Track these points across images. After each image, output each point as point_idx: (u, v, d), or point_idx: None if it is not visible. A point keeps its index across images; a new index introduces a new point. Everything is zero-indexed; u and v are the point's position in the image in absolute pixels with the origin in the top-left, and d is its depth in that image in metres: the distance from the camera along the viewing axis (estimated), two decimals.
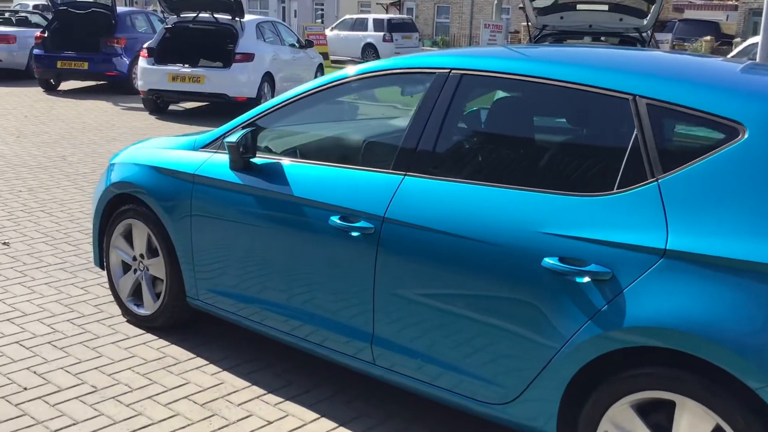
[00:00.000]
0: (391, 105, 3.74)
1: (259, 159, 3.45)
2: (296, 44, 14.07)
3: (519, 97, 2.92)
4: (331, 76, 3.43)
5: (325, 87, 3.41)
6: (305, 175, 3.26)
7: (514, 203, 2.64)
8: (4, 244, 5.39)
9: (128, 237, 4.12)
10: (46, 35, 14.37)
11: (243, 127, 3.58)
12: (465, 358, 2.76)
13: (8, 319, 4.11)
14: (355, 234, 3.00)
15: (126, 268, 4.19)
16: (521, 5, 7.65)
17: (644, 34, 7.95)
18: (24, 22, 18.11)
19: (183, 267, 3.78)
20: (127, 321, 4.17)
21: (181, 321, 4.04)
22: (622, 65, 2.88)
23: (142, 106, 12.65)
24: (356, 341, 3.09)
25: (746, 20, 36.04)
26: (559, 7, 7.80)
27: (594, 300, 2.41)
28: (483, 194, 2.73)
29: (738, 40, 33.78)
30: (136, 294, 4.15)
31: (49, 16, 15.54)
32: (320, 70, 14.94)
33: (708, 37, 29.96)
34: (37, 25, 18.03)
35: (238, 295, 3.58)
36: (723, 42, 32.65)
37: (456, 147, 3.05)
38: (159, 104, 12.32)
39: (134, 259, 4.10)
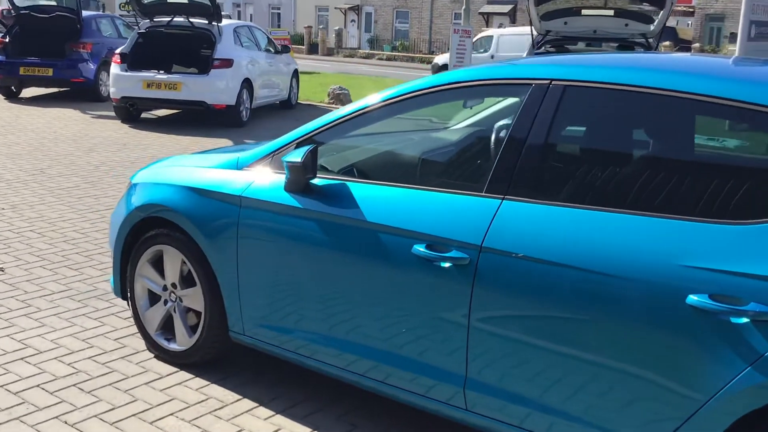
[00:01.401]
0: (456, 120, 3.43)
1: (320, 180, 3.11)
2: (271, 49, 13.67)
3: (637, 110, 2.64)
4: (402, 87, 3.11)
5: (395, 99, 3.09)
6: (379, 198, 2.94)
7: (647, 232, 2.36)
8: (0, 270, 4.93)
9: (157, 264, 3.73)
10: (7, 40, 13.71)
11: (298, 145, 3.24)
12: (584, 408, 2.47)
13: (22, 359, 3.69)
14: (445, 265, 2.68)
15: (153, 298, 3.81)
16: (526, 9, 7.43)
17: (650, 40, 7.79)
18: None
19: (226, 298, 3.42)
20: (156, 357, 3.78)
21: (218, 357, 3.67)
22: (758, 76, 2.62)
23: (112, 114, 12.11)
24: (445, 384, 2.77)
25: (702, 25, 36.64)
26: (563, 12, 7.60)
27: (755, 343, 2.13)
28: (607, 221, 2.44)
29: (696, 45, 34.36)
30: (166, 327, 3.76)
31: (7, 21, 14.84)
32: (295, 76, 14.56)
33: (666, 43, 30.34)
34: None
35: (294, 330, 3.23)
36: (681, 47, 33.17)
37: (565, 167, 2.75)
38: (132, 112, 11.79)
39: (164, 288, 3.71)
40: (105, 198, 6.96)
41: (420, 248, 2.74)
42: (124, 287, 3.91)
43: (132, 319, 4.16)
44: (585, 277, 2.41)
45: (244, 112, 11.81)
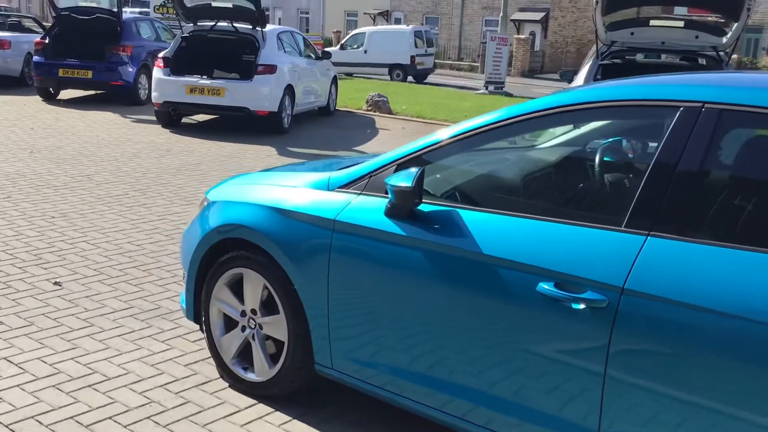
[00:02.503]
0: (544, 138, 3.16)
1: (427, 205, 2.86)
2: (312, 55, 13.47)
3: None
4: (512, 109, 2.85)
5: (505, 122, 2.83)
6: (496, 229, 2.68)
7: None
8: (56, 284, 4.73)
9: (235, 288, 3.50)
10: (47, 41, 13.62)
11: (398, 167, 2.99)
12: None
13: (90, 386, 3.47)
14: (578, 306, 2.42)
15: (229, 324, 3.58)
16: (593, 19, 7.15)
17: (722, 54, 7.48)
18: (17, 27, 17.31)
19: (313, 329, 3.18)
20: (231, 387, 3.54)
21: (299, 390, 3.42)
22: None
23: (152, 118, 11.96)
24: None
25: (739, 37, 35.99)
26: (631, 22, 7.33)
27: None
28: None
29: (735, 57, 33.74)
30: (243, 355, 3.53)
31: (45, 23, 14.75)
32: (335, 82, 14.35)
33: None
34: (30, 30, 17.27)
35: (388, 367, 2.98)
36: None
37: (722, 201, 2.47)
38: (173, 117, 11.63)
39: (242, 314, 3.48)
40: (156, 207, 6.76)
41: (547, 286, 2.48)
42: (197, 310, 3.68)
43: (202, 344, 3.95)
44: (747, 327, 2.14)
45: (285, 119, 11.61)
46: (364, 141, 11.48)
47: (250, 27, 11.49)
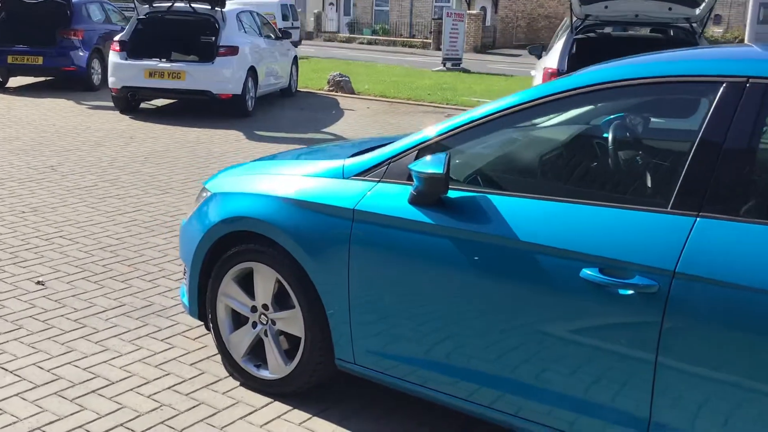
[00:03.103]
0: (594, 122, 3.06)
1: (455, 191, 2.74)
2: (272, 35, 13.19)
3: None
4: (542, 88, 2.75)
5: (535, 102, 2.73)
6: (531, 214, 2.58)
7: None
8: (39, 283, 4.51)
9: (243, 283, 3.35)
10: None
11: (420, 151, 2.87)
12: None
13: (94, 391, 3.30)
14: (625, 293, 2.34)
15: (237, 320, 3.43)
16: None
17: (694, 25, 7.49)
18: None
19: (333, 323, 3.05)
20: (242, 385, 3.41)
21: (316, 386, 3.30)
22: None
23: (108, 104, 11.59)
24: (622, 428, 2.44)
25: None
26: None
27: None
28: None
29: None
30: (255, 352, 3.39)
31: None
32: (295, 63, 14.09)
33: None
34: None
35: (416, 359, 2.88)
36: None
37: None
38: (131, 103, 11.27)
39: (253, 310, 3.34)
40: (129, 198, 6.52)
41: (591, 272, 2.39)
42: (201, 308, 3.53)
43: (204, 341, 3.80)
44: None
45: (249, 102, 11.36)
46: (332, 122, 11.30)
47: (209, 7, 11.18)
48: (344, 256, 2.95)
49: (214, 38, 11.05)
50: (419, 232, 2.77)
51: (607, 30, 8.47)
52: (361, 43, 38.94)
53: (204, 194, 3.61)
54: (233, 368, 3.46)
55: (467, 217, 2.68)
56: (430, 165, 2.64)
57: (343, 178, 3.06)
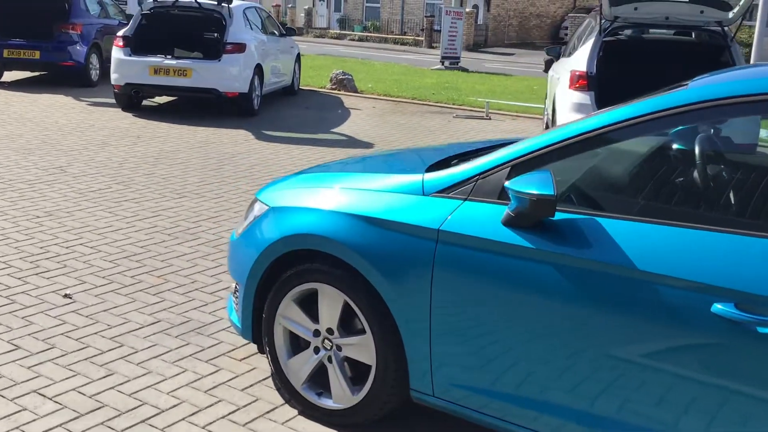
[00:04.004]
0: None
1: (558, 213, 2.52)
2: (276, 32, 12.91)
3: None
4: (659, 100, 2.52)
5: (651, 116, 2.49)
6: (653, 241, 2.36)
7: None
8: (67, 296, 4.24)
9: (305, 305, 3.12)
10: None
11: (514, 168, 2.64)
12: None
13: (144, 421, 3.05)
14: (765, 331, 2.13)
15: (296, 344, 3.20)
16: None
17: (726, 29, 7.32)
18: None
19: (410, 352, 2.82)
20: (300, 414, 3.17)
21: (384, 417, 3.07)
22: None
23: (108, 101, 11.28)
24: None
25: None
26: None
27: None
28: None
29: None
30: (316, 379, 3.15)
31: None
32: (298, 60, 13.82)
33: None
34: None
35: (510, 396, 2.65)
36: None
37: None
38: (133, 100, 10.96)
39: (316, 334, 3.10)
40: (146, 202, 6.25)
41: (724, 307, 2.18)
42: (256, 330, 3.29)
43: (252, 362, 3.59)
44: None
45: (255, 100, 11.08)
46: (340, 122, 11.04)
47: (215, 3, 10.88)
48: (426, 280, 2.72)
49: (220, 35, 10.76)
50: (516, 256, 2.55)
51: (626, 32, 8.27)
52: (352, 39, 38.65)
53: (257, 207, 3.37)
54: (291, 395, 3.22)
55: (573, 241, 2.46)
56: (536, 185, 2.41)
57: (423, 194, 2.83)
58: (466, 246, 2.65)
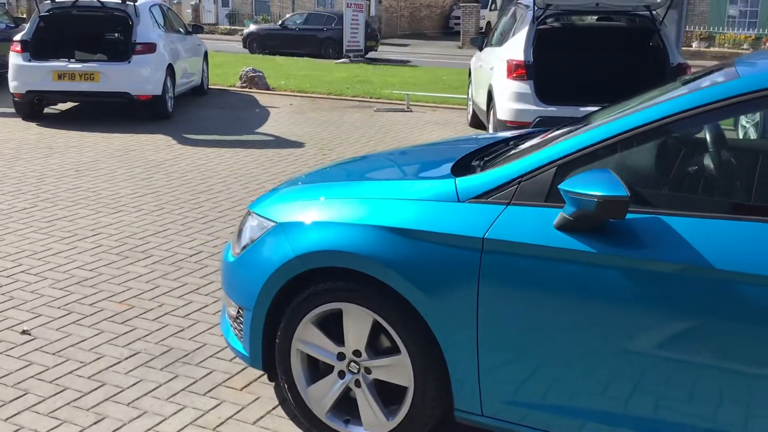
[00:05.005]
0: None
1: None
2: (182, 30, 12.35)
3: None
4: (719, 89, 2.41)
5: (713, 105, 2.37)
6: (726, 238, 2.25)
7: None
8: (25, 333, 3.81)
9: (324, 326, 2.87)
10: None
11: (561, 167, 2.48)
12: None
13: None
14: None
15: (315, 369, 2.95)
16: None
17: (655, 14, 7.44)
18: None
19: (454, 370, 2.63)
20: None
21: None
22: None
23: (7, 110, 10.48)
24: None
25: None
26: None
27: None
28: None
29: None
30: (341, 406, 2.91)
31: None
32: (205, 59, 13.28)
33: None
34: None
35: (563, 408, 2.50)
36: None
37: None
38: (35, 108, 10.22)
39: (340, 357, 2.86)
40: (81, 219, 5.77)
41: None
42: (265, 356, 3.01)
43: (255, 391, 3.30)
44: None
45: (169, 102, 10.54)
46: (261, 122, 10.64)
47: (119, 1, 10.27)
48: (472, 293, 2.53)
49: (126, 35, 10.17)
50: (576, 262, 2.39)
51: (568, 19, 8.30)
52: (243, 35, 37.74)
53: (254, 222, 3.09)
54: (313, 425, 2.97)
55: (641, 243, 2.33)
56: (602, 186, 2.26)
57: (459, 200, 2.63)
58: (516, 254, 2.48)
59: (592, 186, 2.28)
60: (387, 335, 2.76)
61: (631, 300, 2.33)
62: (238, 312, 3.10)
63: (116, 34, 10.70)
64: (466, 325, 2.56)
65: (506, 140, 3.48)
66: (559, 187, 2.38)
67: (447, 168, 2.91)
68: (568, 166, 2.48)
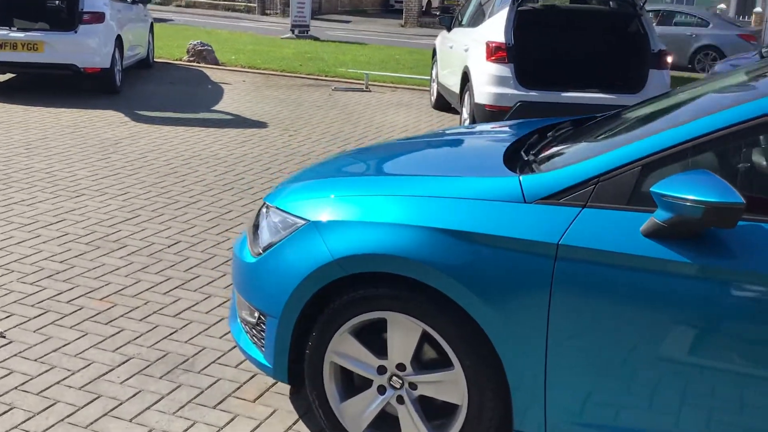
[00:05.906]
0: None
1: None
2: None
3: None
4: None
5: None
6: None
7: None
8: (0, 335, 3.41)
9: (363, 337, 2.59)
10: None
11: (645, 167, 2.25)
12: None
13: None
14: None
15: (348, 383, 2.67)
16: None
17: (636, 1, 7.30)
18: None
19: (516, 388, 2.39)
20: None
21: None
22: None
23: None
24: None
25: None
26: None
27: None
28: None
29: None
30: (378, 424, 2.64)
31: None
32: (151, 31, 12.64)
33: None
34: None
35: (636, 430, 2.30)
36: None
37: None
38: None
39: (381, 371, 2.58)
40: (41, 204, 5.29)
41: None
42: (291, 368, 2.71)
43: (269, 401, 3.01)
44: None
45: (117, 76, 9.96)
46: (216, 99, 10.14)
47: None
48: (542, 303, 2.29)
49: (71, 3, 9.51)
50: (668, 273, 2.17)
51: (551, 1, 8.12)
52: (179, 5, 36.53)
53: (274, 217, 2.79)
54: None
55: (748, 253, 2.11)
56: (710, 191, 2.03)
57: (525, 201, 2.38)
58: (595, 262, 2.24)
59: (696, 190, 2.05)
60: (434, 347, 2.50)
61: (734, 317, 2.13)
62: (259, 318, 2.78)
63: (58, 2, 10.01)
64: (534, 340, 2.32)
65: (538, 131, 3.24)
66: (651, 190, 2.15)
67: (499, 163, 2.65)
68: (653, 165, 2.25)
